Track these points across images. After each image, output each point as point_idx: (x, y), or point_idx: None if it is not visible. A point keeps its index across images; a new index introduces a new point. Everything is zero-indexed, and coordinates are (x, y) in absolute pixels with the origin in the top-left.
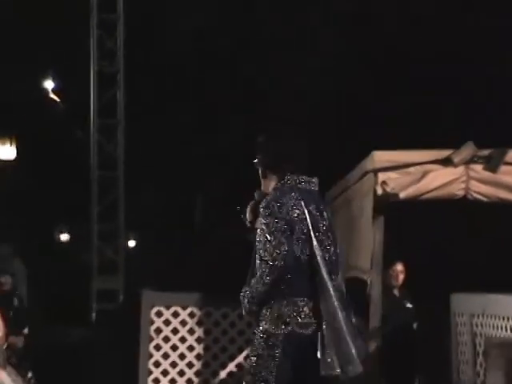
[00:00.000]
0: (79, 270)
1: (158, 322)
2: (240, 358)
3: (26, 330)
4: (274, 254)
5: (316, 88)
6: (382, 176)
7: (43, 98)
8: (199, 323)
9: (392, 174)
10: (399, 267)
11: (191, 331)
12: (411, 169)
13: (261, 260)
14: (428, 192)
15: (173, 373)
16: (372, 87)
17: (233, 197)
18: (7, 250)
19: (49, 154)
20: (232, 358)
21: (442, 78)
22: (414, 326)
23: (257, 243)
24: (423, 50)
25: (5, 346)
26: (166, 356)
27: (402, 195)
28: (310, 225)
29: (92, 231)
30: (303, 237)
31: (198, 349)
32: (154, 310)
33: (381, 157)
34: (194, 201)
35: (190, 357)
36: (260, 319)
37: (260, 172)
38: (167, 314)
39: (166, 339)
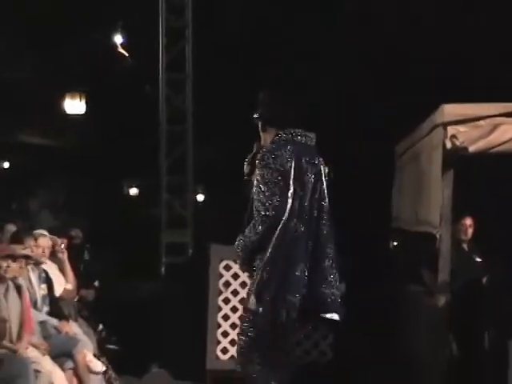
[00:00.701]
0: (148, 223)
1: (227, 276)
2: None
3: (96, 283)
4: (267, 204)
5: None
6: (451, 129)
7: (112, 53)
8: None
9: (462, 128)
10: (468, 221)
11: None
12: (481, 122)
13: (255, 210)
14: (498, 145)
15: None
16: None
17: None
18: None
19: (118, 109)
20: None
21: None
22: (484, 280)
23: (253, 194)
24: None
25: (76, 299)
26: (234, 309)
27: (471, 149)
28: (292, 175)
29: (161, 185)
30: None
31: None
32: (223, 263)
33: (451, 110)
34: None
35: None
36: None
37: (259, 126)
38: (236, 267)
39: (235, 293)
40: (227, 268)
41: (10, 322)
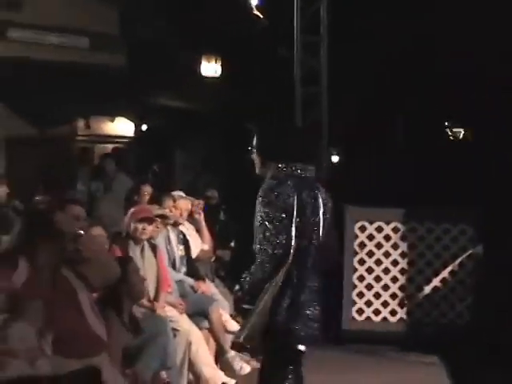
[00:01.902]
0: None
1: (362, 237)
2: (445, 273)
3: (232, 244)
4: (274, 243)
5: None
6: None
7: (247, 15)
8: (403, 238)
9: None
10: None
11: (395, 246)
12: None
13: (260, 248)
14: None
15: (377, 287)
16: None
17: (432, 115)
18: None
19: (252, 71)
20: (437, 273)
21: None
22: None
23: (255, 228)
24: None
25: (212, 259)
26: (370, 270)
27: None
28: (295, 212)
29: None
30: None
31: (402, 263)
32: (358, 224)
33: None
34: (395, 117)
35: (395, 271)
36: None
37: (258, 160)
38: (371, 228)
39: (370, 254)
40: (362, 229)
41: (147, 282)
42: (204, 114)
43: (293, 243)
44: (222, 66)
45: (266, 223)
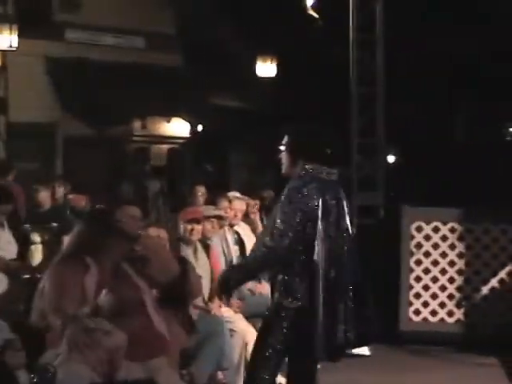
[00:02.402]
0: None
1: (419, 237)
2: (502, 274)
3: None
4: (277, 242)
5: None
6: None
7: (302, 15)
8: (460, 238)
9: None
10: None
11: (452, 246)
12: None
13: (263, 240)
14: None
15: (434, 287)
16: None
17: (489, 115)
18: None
19: (308, 71)
20: (494, 274)
21: None
22: None
23: (270, 223)
24: None
25: None
26: (426, 271)
27: None
28: (320, 214)
29: (352, 146)
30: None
31: (459, 264)
32: (415, 225)
33: None
34: (455, 117)
35: (452, 272)
36: (275, 291)
37: (287, 159)
38: (427, 229)
39: (427, 254)
40: (419, 229)
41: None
42: (259, 113)
43: (317, 248)
44: (277, 66)
45: (278, 221)
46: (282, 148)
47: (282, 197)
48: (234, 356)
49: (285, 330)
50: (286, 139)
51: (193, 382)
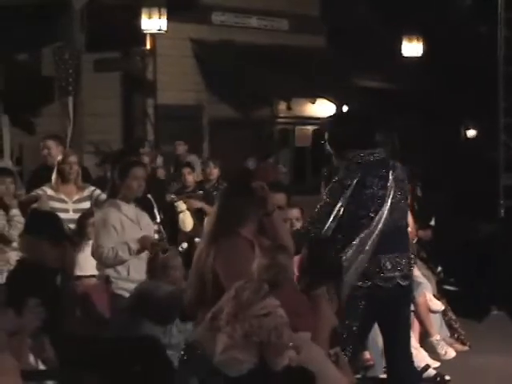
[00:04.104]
0: (486, 166)
1: None
2: None
3: (432, 223)
4: (317, 229)
5: None
6: None
7: None
8: None
9: None
10: None
11: None
12: None
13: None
14: None
15: None
16: None
17: None
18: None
19: (455, 50)
20: None
21: None
22: None
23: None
24: None
25: (414, 241)
26: None
27: None
28: (373, 194)
29: (498, 127)
30: (370, 204)
31: None
32: None
33: None
34: None
35: None
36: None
37: (333, 151)
38: None
39: None
40: None
41: None
42: (405, 94)
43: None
44: (423, 45)
45: (319, 213)
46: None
47: (327, 188)
48: (378, 337)
49: (360, 311)
50: (326, 135)
51: (339, 362)
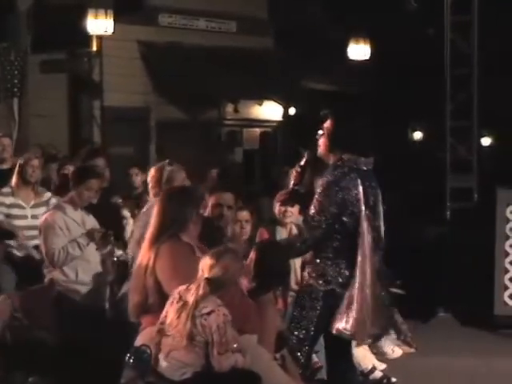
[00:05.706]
0: (433, 167)
1: None
2: None
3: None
4: (310, 233)
5: None
6: None
7: None
8: None
9: None
10: None
11: None
12: None
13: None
14: None
15: None
16: None
17: None
18: None
19: (400, 53)
20: None
21: None
22: None
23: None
24: None
25: None
26: None
27: None
28: (362, 202)
29: (445, 129)
30: (355, 211)
31: None
32: (510, 208)
33: None
34: None
35: None
36: (308, 276)
37: (325, 146)
38: None
39: None
40: None
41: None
42: (352, 96)
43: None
44: (370, 48)
45: (314, 213)
46: (321, 132)
47: (319, 188)
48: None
49: (317, 312)
50: (327, 123)
51: (285, 365)
